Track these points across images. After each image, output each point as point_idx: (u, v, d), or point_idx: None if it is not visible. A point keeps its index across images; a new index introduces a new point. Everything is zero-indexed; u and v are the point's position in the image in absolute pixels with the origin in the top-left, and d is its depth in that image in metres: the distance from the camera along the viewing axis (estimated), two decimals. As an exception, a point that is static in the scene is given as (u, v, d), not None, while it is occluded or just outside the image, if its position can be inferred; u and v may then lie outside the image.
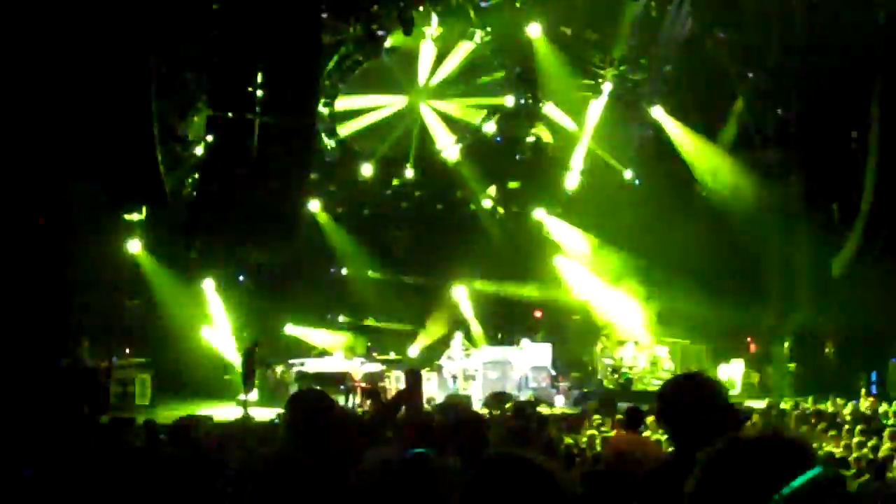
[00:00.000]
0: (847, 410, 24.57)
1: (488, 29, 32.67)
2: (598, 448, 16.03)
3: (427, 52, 33.79)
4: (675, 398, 4.90)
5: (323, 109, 31.52)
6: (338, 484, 6.10)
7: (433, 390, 31.20)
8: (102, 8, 21.07)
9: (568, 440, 16.42)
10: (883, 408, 24.99)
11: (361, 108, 34.12)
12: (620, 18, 33.56)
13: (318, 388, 28.29)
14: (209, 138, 22.65)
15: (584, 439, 18.13)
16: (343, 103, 33.44)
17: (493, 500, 3.26)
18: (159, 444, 13.28)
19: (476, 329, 36.94)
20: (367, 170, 34.80)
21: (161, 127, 24.00)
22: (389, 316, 37.57)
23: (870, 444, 16.53)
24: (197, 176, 27.92)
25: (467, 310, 37.15)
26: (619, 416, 21.59)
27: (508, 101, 34.44)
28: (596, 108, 35.41)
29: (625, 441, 12.70)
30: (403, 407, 9.96)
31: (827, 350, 34.08)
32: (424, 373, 31.63)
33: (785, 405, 26.97)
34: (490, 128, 34.87)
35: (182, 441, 8.82)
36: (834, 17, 31.27)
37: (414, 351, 36.22)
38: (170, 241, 31.64)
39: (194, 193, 27.26)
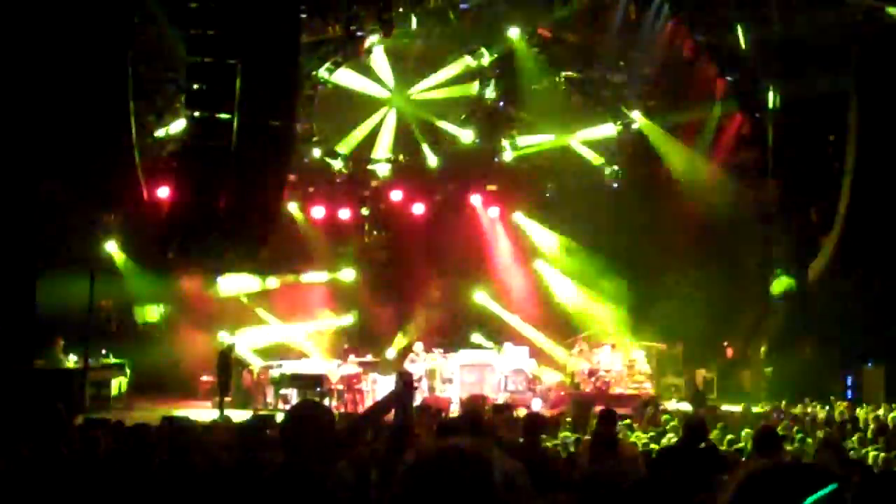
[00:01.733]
0: (821, 416, 24.62)
1: (467, 32, 32.60)
2: (573, 449, 16.04)
3: (406, 53, 33.68)
4: None
5: (302, 109, 31.43)
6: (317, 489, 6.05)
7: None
8: (80, 6, 20.97)
9: (546, 443, 16.35)
10: (860, 413, 24.99)
11: (340, 109, 34.00)
12: (600, 21, 33.61)
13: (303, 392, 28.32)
14: (186, 138, 22.52)
15: (559, 442, 18.11)
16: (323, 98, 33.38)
17: (429, 490, 3.23)
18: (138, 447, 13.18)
19: (453, 331, 36.88)
20: (344, 171, 34.64)
21: (138, 127, 23.91)
22: (368, 317, 37.50)
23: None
24: (174, 176, 27.85)
25: (445, 311, 37.11)
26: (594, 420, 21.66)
27: (487, 103, 34.33)
28: (575, 111, 35.43)
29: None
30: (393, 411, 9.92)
31: (803, 354, 34.12)
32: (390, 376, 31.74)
33: (760, 409, 27.06)
34: (468, 131, 34.77)
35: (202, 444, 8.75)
36: (810, 18, 31.37)
37: (391, 353, 36.14)
38: (147, 242, 31.50)
39: (171, 193, 27.17)
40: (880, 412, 23.82)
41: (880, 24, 30.28)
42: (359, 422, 8.49)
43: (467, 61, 33.76)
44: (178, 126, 29.16)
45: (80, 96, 20.66)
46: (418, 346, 32.34)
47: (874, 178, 30.06)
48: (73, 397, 27.52)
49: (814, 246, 32.79)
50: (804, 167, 33.68)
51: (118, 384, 31.19)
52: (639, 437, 19.16)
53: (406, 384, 8.94)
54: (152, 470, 9.03)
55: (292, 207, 35.36)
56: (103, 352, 32.45)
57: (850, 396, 31.44)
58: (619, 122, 35.62)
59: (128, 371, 31.75)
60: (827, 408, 26.59)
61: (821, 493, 2.87)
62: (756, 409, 27.01)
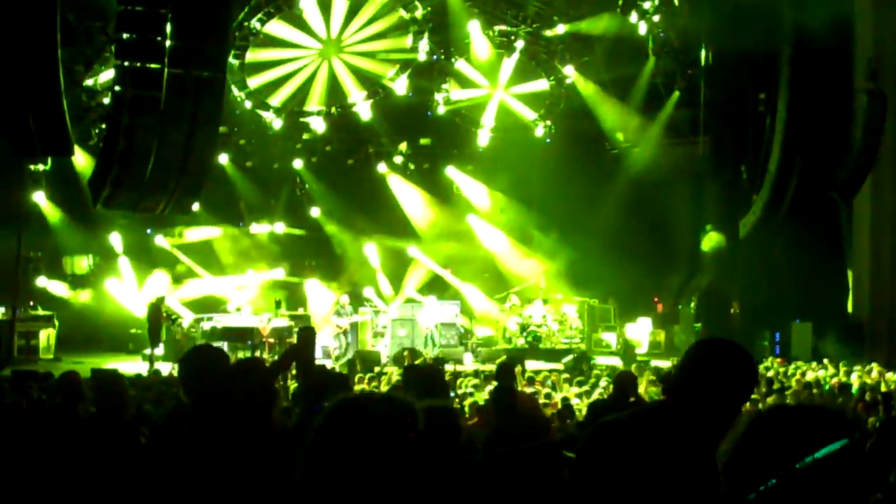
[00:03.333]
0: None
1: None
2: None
3: (339, 4, 33.40)
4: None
5: (233, 61, 31.11)
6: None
7: (332, 344, 31.54)
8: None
9: (478, 397, 16.37)
10: (789, 369, 25.25)
11: (272, 60, 33.71)
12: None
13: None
14: (116, 88, 22.22)
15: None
16: (253, 55, 33.06)
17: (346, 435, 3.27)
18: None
19: (385, 286, 36.94)
20: (276, 123, 34.41)
21: (67, 76, 23.55)
22: (299, 271, 37.44)
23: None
24: (103, 126, 27.51)
25: (377, 266, 37.12)
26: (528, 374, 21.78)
27: (420, 56, 34.17)
28: (508, 66, 35.40)
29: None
30: (294, 363, 9.97)
31: (732, 310, 34.43)
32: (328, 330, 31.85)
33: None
34: (401, 83, 34.57)
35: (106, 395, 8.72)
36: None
37: (321, 307, 36.07)
38: (76, 193, 31.15)
39: (100, 144, 26.86)
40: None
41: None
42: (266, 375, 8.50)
43: (401, 13, 33.55)
44: (107, 76, 28.81)
45: (6, 44, 20.30)
46: (344, 299, 32.31)
47: (804, 137, 30.29)
48: (0, 349, 27.34)
49: (744, 203, 33.05)
50: (735, 125, 33.90)
51: (47, 336, 30.95)
52: (569, 392, 19.27)
53: (306, 339, 8.95)
54: (81, 421, 8.95)
55: (223, 159, 35.11)
56: (31, 304, 32.19)
57: (777, 353, 31.82)
58: (551, 78, 35.62)
59: (56, 323, 31.49)
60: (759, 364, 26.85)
61: (833, 446, 2.86)
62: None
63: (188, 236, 36.30)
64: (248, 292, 35.52)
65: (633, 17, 31.71)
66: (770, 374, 23.69)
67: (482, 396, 15.87)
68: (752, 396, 16.86)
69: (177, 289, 34.98)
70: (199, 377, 6.40)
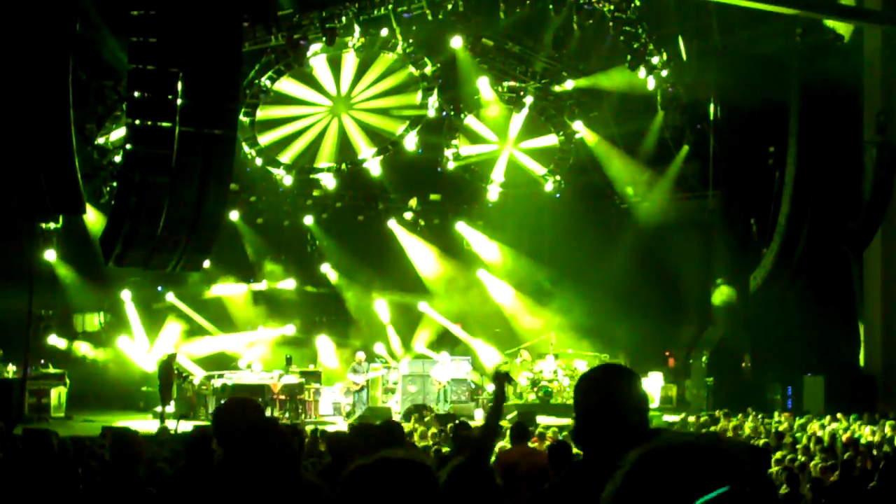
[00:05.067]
0: (749, 425, 24.63)
1: (410, 40, 32.48)
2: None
3: (349, 62, 33.56)
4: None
5: (244, 118, 31.23)
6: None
7: (343, 401, 31.55)
8: (20, 13, 20.75)
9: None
10: (797, 422, 25.11)
11: (282, 117, 33.84)
12: (542, 32, 33.66)
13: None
14: (128, 147, 22.29)
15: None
16: (264, 112, 33.19)
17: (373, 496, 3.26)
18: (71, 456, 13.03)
19: (395, 342, 36.93)
20: (287, 180, 34.52)
21: (79, 134, 23.67)
22: (310, 327, 37.41)
23: (787, 458, 16.63)
24: (115, 185, 27.60)
25: (387, 322, 37.14)
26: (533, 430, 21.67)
27: (430, 112, 34.27)
28: (517, 121, 35.52)
29: (514, 453, 12.92)
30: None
31: (744, 364, 34.34)
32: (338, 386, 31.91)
33: (700, 419, 27.12)
34: (411, 139, 34.65)
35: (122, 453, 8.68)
36: (751, 31, 31.66)
37: (333, 363, 36.04)
38: (87, 251, 31.19)
39: (112, 202, 26.93)
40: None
41: (819, 36, 30.59)
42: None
43: (410, 70, 33.68)
44: (118, 134, 28.94)
45: (20, 103, 20.41)
46: (360, 356, 32.26)
47: (814, 190, 30.34)
48: (11, 407, 27.26)
49: (754, 256, 33.03)
50: (745, 178, 33.94)
51: (58, 394, 30.90)
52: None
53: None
54: (94, 481, 8.93)
55: (234, 216, 35.19)
56: (42, 361, 32.17)
57: (789, 406, 31.67)
58: (561, 133, 35.74)
59: (67, 381, 31.45)
60: (762, 417, 26.69)
61: (713, 493, 2.74)
62: (695, 419, 27.09)
63: (199, 293, 36.30)
64: (259, 349, 35.50)
65: (642, 72, 31.80)
66: (782, 427, 23.59)
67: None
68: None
69: (188, 346, 34.94)
70: (234, 428, 6.32)
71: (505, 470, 11.71)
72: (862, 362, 33.09)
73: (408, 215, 38.04)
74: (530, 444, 14.74)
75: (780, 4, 27.71)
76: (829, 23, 30.92)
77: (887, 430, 22.35)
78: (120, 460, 8.46)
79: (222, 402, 7.28)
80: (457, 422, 19.80)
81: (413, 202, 37.93)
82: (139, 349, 34.44)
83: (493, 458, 11.88)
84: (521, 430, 13.54)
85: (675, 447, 2.79)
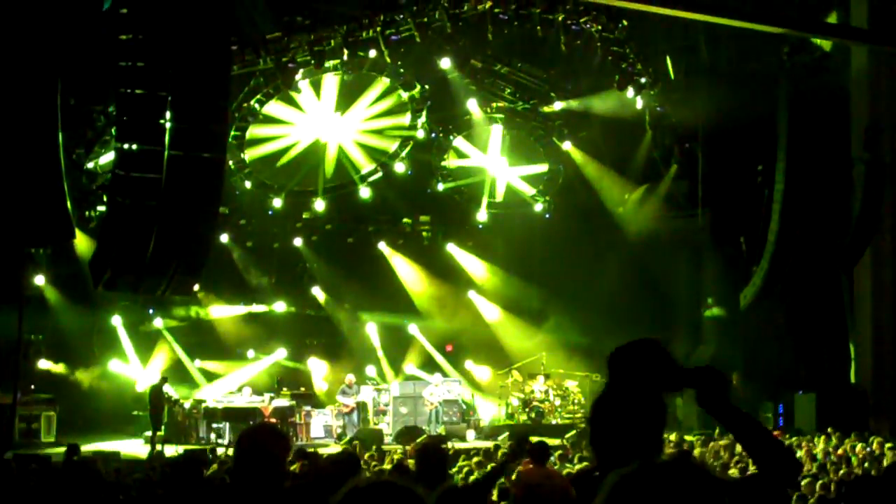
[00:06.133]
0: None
1: (399, 62, 32.51)
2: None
3: (335, 84, 33.52)
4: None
5: (233, 142, 31.21)
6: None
7: (335, 423, 31.48)
8: (8, 38, 20.75)
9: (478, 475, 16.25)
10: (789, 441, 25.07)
11: (271, 140, 33.81)
12: (531, 53, 33.76)
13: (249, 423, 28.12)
14: (117, 171, 22.28)
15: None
16: (253, 135, 33.17)
17: None
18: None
19: (385, 364, 36.92)
20: (276, 203, 34.53)
21: (67, 159, 23.66)
22: (300, 350, 37.34)
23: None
24: (103, 209, 27.57)
25: (377, 344, 37.12)
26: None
27: (419, 134, 34.29)
28: (506, 142, 35.58)
29: (535, 474, 12.78)
30: None
31: (735, 382, 34.30)
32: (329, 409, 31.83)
33: (692, 438, 27.11)
34: (400, 163, 34.68)
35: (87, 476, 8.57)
36: (738, 49, 31.78)
37: (323, 385, 36.01)
38: (76, 276, 31.13)
39: (101, 227, 26.90)
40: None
41: (807, 54, 30.65)
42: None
43: (399, 92, 33.73)
44: (107, 158, 28.91)
45: (8, 128, 20.40)
46: (350, 378, 32.20)
47: (803, 207, 30.38)
48: (2, 433, 27.18)
49: (744, 275, 33.05)
50: (733, 196, 33.99)
51: (48, 419, 30.78)
52: (572, 469, 19.13)
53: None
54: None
55: (224, 239, 35.14)
56: (32, 386, 32.07)
57: (780, 424, 31.64)
58: (549, 153, 35.81)
59: (57, 406, 31.34)
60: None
61: None
62: (688, 438, 27.06)
63: (189, 317, 36.27)
64: (249, 372, 35.46)
65: (630, 92, 31.91)
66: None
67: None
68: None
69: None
70: (258, 456, 6.16)
71: (527, 492, 11.66)
72: (853, 379, 33.09)
73: (397, 237, 38.14)
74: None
75: (767, 24, 27.75)
76: (817, 40, 31.01)
77: (875, 446, 22.35)
78: (109, 484, 8.43)
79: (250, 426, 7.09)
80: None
81: (403, 224, 38.10)
82: (129, 373, 34.39)
83: (513, 478, 11.90)
84: (542, 450, 13.48)
85: (663, 464, 2.82)
